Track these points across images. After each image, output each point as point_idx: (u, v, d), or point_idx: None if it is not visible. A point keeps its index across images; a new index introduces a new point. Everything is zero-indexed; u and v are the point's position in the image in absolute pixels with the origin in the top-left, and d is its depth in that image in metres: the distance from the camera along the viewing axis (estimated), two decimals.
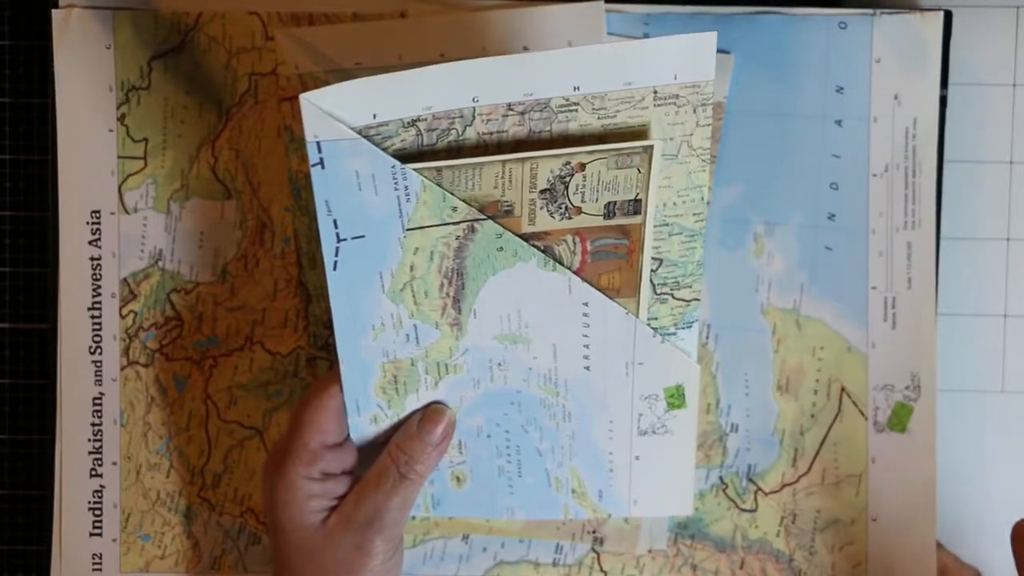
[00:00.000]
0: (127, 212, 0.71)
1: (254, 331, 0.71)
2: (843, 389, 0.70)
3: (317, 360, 0.70)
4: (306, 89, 0.69)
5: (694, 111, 0.62)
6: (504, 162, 0.60)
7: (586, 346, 0.65)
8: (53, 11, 0.70)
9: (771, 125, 0.69)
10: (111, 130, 0.70)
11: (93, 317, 0.71)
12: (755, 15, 0.68)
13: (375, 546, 0.64)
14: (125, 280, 0.71)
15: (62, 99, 0.70)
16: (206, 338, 0.71)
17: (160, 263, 0.71)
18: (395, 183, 0.60)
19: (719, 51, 0.67)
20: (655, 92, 0.61)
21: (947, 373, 0.71)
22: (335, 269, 0.62)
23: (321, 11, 0.69)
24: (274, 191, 0.70)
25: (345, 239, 0.61)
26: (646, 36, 0.68)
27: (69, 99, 0.70)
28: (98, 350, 0.71)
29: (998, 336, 0.71)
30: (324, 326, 0.70)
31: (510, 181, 0.61)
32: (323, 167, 0.60)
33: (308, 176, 0.69)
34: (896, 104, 0.68)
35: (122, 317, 0.71)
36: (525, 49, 0.67)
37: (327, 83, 0.68)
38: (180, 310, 0.71)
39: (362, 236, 0.61)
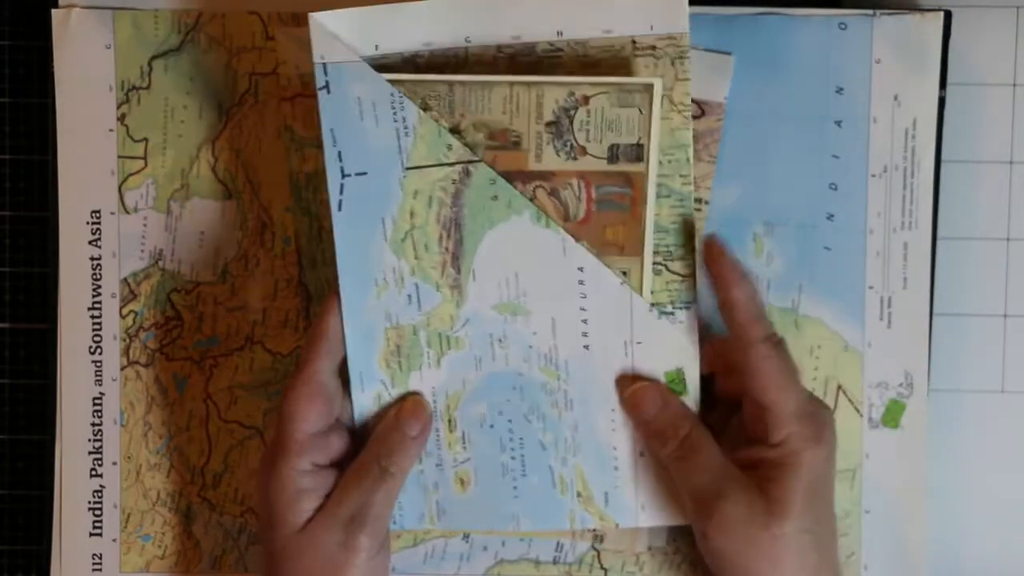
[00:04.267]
0: (127, 212, 0.71)
1: (254, 331, 0.71)
2: (839, 387, 0.70)
3: None
4: (307, 89, 0.69)
5: (672, 64, 0.63)
6: (512, 84, 0.62)
7: (584, 321, 0.65)
8: (53, 11, 0.70)
9: (771, 126, 0.69)
10: (111, 130, 0.70)
11: (93, 317, 0.71)
12: (755, 15, 0.68)
13: (360, 543, 0.64)
14: (125, 280, 0.71)
15: (62, 99, 0.70)
16: (206, 338, 0.71)
17: (160, 263, 0.71)
18: (394, 113, 0.63)
19: (719, 52, 0.68)
20: (633, 42, 0.63)
21: (947, 373, 0.71)
22: (340, 209, 0.64)
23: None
24: (274, 191, 0.70)
25: (349, 175, 0.63)
26: None
27: (69, 99, 0.70)
28: (98, 350, 0.71)
29: (998, 336, 0.71)
30: None
31: (517, 108, 0.62)
32: (328, 91, 0.63)
33: (309, 176, 0.69)
34: (896, 105, 0.68)
35: (122, 317, 0.71)
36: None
37: None
38: (180, 310, 0.71)
39: (365, 173, 0.63)
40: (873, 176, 0.69)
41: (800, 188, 0.69)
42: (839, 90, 0.69)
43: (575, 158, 0.63)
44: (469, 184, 0.64)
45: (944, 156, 0.69)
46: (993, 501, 0.71)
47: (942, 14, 0.68)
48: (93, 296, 0.71)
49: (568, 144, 0.63)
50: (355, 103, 0.63)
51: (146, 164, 0.70)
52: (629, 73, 0.64)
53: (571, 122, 0.63)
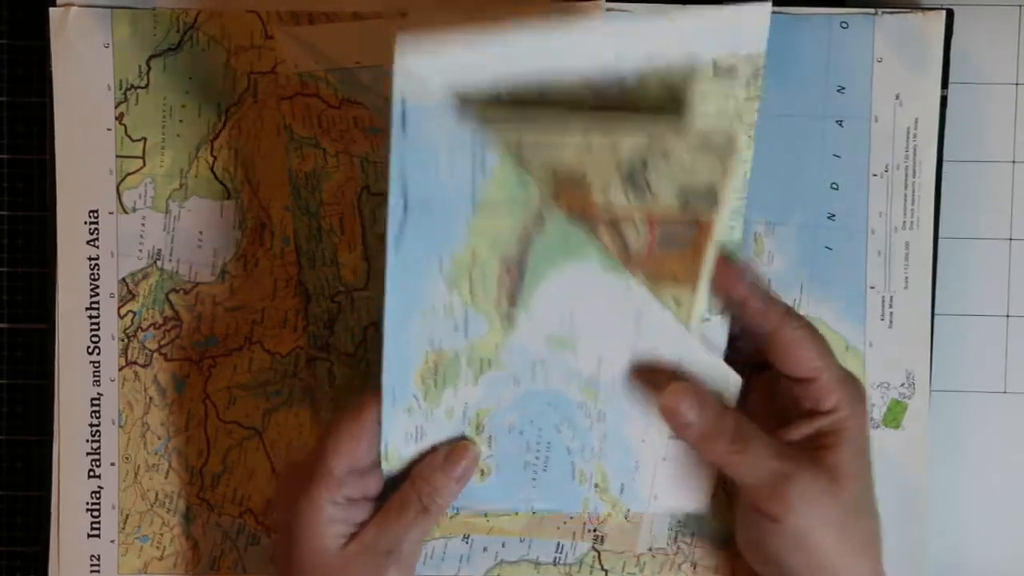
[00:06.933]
0: (125, 211, 0.70)
1: (253, 331, 0.71)
2: None
3: (317, 360, 0.70)
4: (305, 88, 0.69)
5: (746, 84, 0.62)
6: (585, 132, 0.60)
7: (630, 361, 0.64)
8: (51, 9, 0.69)
9: (772, 125, 0.68)
10: (109, 129, 0.70)
11: (91, 317, 0.71)
12: None
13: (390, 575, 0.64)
14: (123, 280, 0.71)
15: (60, 98, 0.70)
16: (205, 338, 0.71)
17: (159, 263, 0.71)
18: (473, 154, 0.60)
19: None
20: (715, 64, 0.61)
21: (949, 373, 0.71)
22: (397, 242, 0.61)
23: (321, 10, 0.69)
24: (274, 191, 0.70)
25: (412, 209, 0.60)
26: None
27: (67, 98, 0.70)
28: (96, 350, 0.71)
29: (1000, 336, 0.71)
30: (324, 326, 0.70)
31: (589, 150, 0.60)
32: (404, 130, 0.59)
33: (308, 175, 0.69)
34: (897, 104, 0.68)
35: (120, 317, 0.71)
36: None
37: (327, 82, 0.68)
38: (179, 310, 0.71)
39: (430, 209, 0.61)
40: (874, 175, 0.69)
41: (801, 188, 0.69)
42: (840, 89, 0.69)
43: (644, 202, 0.61)
44: (541, 231, 0.62)
45: (946, 155, 0.69)
46: (995, 502, 0.71)
47: (944, 13, 0.68)
48: (91, 296, 0.70)
49: (639, 187, 0.61)
50: (431, 145, 0.60)
51: (144, 163, 0.70)
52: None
53: (645, 167, 0.61)
